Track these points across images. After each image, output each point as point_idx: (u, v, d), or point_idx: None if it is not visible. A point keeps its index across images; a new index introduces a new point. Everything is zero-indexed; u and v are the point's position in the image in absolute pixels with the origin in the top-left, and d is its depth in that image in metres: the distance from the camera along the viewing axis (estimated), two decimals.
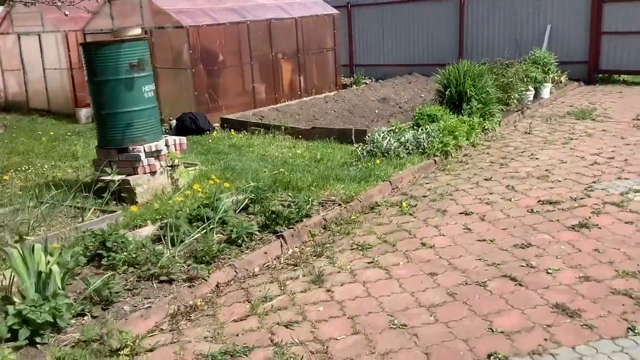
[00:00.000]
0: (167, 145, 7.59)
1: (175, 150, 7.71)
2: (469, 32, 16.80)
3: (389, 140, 8.49)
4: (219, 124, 12.01)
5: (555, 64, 13.81)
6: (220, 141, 10.71)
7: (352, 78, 17.31)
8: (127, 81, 7.15)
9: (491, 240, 5.50)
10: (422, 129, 8.76)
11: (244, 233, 5.43)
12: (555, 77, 14.03)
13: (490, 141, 9.64)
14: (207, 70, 12.81)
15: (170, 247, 5.32)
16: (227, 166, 8.77)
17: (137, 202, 7.18)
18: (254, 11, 13.79)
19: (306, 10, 15.03)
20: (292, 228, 5.78)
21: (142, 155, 7.25)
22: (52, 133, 12.22)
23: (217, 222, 5.81)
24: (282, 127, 11.04)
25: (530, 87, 12.28)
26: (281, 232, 5.68)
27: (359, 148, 8.63)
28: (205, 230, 5.58)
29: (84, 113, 13.74)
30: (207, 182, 7.31)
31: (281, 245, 5.53)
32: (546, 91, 12.99)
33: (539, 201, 6.51)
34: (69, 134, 12.20)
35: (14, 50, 15.51)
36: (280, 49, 14.43)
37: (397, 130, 8.93)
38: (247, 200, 6.46)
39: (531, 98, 12.42)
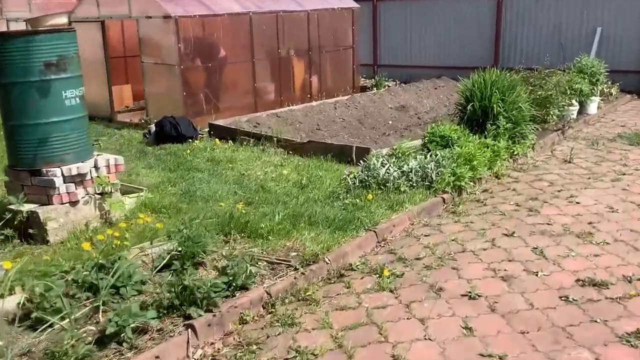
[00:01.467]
0: (96, 167, 5.83)
1: (109, 173, 5.94)
2: (507, 33, 14.64)
3: (388, 168, 6.57)
4: (207, 130, 10.24)
5: (605, 73, 11.61)
6: (200, 153, 8.93)
7: (373, 80, 15.34)
8: (41, 85, 5.40)
9: (500, 358, 3.55)
10: (431, 155, 6.81)
11: (131, 324, 3.61)
12: (605, 89, 11.82)
13: (519, 171, 7.62)
14: (200, 67, 11.04)
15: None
16: (188, 191, 6.98)
17: (48, 241, 5.46)
18: (259, 2, 11.95)
19: (321, 2, 13.13)
20: (214, 311, 3.94)
21: (58, 180, 5.51)
22: None
23: (108, 294, 4.02)
24: (275, 139, 9.20)
25: (574, 102, 10.15)
26: (194, 317, 3.85)
27: (351, 176, 6.72)
28: (93, 306, 3.81)
29: None
30: (142, 218, 5.50)
31: (187, 342, 3.69)
32: (593, 106, 10.82)
33: (578, 280, 4.51)
34: None
35: None
36: (290, 46, 12.59)
37: (400, 154, 6.99)
38: (170, 255, 4.65)
39: (574, 114, 10.28)
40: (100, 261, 4.29)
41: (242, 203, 6.32)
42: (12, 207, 5.47)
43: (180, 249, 4.63)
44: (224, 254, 4.75)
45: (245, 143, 9.41)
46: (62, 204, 5.58)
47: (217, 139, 9.74)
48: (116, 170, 6.02)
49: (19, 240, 5.44)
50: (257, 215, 5.85)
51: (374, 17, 16.64)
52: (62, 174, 5.54)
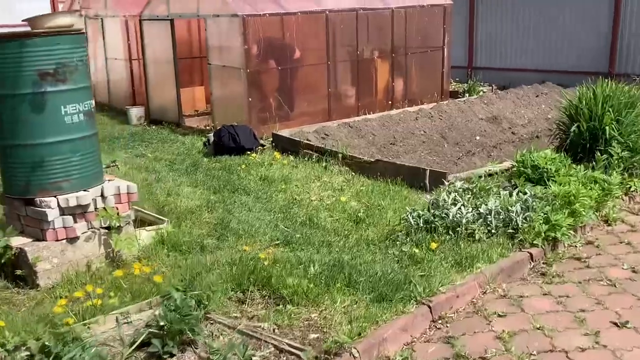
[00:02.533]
0: (103, 196, 4.82)
1: (119, 203, 4.91)
2: (627, 30, 12.47)
3: (461, 207, 5.13)
4: (271, 140, 9.13)
5: None
6: (254, 169, 7.82)
7: (466, 84, 13.67)
8: (35, 98, 4.44)
9: None
10: (518, 193, 5.30)
11: None
12: None
13: (637, 214, 5.91)
14: (269, 70, 9.96)
15: None
16: (222, 221, 5.86)
17: (38, 285, 4.50)
18: None
19: None
20: None
21: (52, 212, 4.53)
22: None
23: None
24: (340, 155, 7.93)
25: None
26: None
27: (414, 214, 5.33)
28: None
29: (135, 112, 11.46)
30: (138, 267, 4.40)
31: None
32: None
33: None
34: (108, 139, 9.89)
35: None
36: (371, 47, 11.25)
37: (477, 189, 5.52)
38: (149, 331, 3.51)
39: None
40: (47, 343, 3.21)
41: (276, 245, 5.13)
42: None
43: (163, 322, 3.47)
44: (210, 342, 3.52)
45: (307, 158, 8.21)
46: (58, 240, 4.60)
47: (278, 152, 8.60)
48: (128, 200, 4.98)
49: (4, 282, 4.52)
50: (287, 265, 4.62)
51: (470, 14, 14.91)
52: (59, 205, 4.56)
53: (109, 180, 4.99)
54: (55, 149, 4.54)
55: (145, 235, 5.15)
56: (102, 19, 12.57)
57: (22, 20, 4.69)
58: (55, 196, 4.57)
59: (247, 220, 5.89)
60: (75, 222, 4.67)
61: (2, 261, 4.54)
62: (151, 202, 6.42)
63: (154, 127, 10.99)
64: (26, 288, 4.50)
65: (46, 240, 4.57)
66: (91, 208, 4.72)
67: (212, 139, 8.87)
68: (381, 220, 5.83)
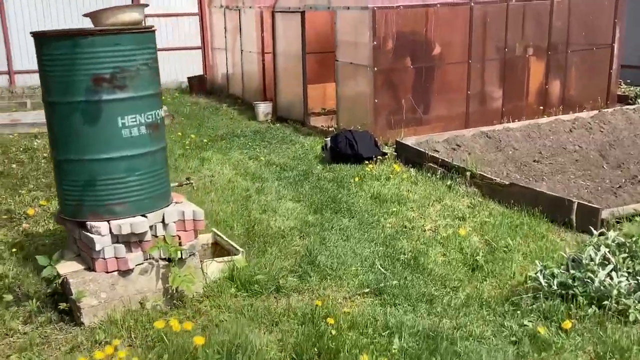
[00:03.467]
0: (164, 222, 4.10)
1: (182, 230, 4.18)
2: None
3: (612, 271, 3.76)
4: (394, 148, 8.07)
5: None
6: (368, 183, 6.83)
7: None
8: (88, 107, 3.81)
9: None
10: None
11: None
12: None
13: None
14: (400, 69, 8.86)
15: None
16: (311, 252, 4.95)
17: (82, 323, 3.90)
18: None
19: None
20: None
21: (102, 240, 3.89)
22: (209, 134, 9.62)
23: None
24: (468, 173, 6.69)
25: None
26: None
27: (546, 272, 4.04)
28: None
29: (262, 109, 10.91)
30: (175, 323, 3.60)
31: None
32: None
33: None
34: (229, 137, 9.43)
35: (220, 26, 13.37)
36: (522, 44, 9.71)
37: (638, 245, 4.07)
38: None
39: None
40: None
41: (364, 294, 4.12)
42: (45, 270, 4.00)
43: None
44: None
45: (430, 173, 7.06)
46: (108, 272, 3.96)
47: (399, 163, 7.52)
48: (194, 228, 4.22)
49: (49, 315, 3.97)
50: (367, 332, 3.59)
51: None
52: (110, 232, 3.91)
53: (175, 203, 4.26)
54: (109, 167, 3.88)
55: (214, 269, 4.37)
56: (240, 10, 12.16)
57: (83, 15, 4.06)
58: (108, 221, 3.91)
59: (339, 253, 4.92)
60: (131, 251, 3.99)
61: (49, 291, 3.98)
62: (243, 220, 5.68)
63: (278, 125, 10.36)
64: (70, 324, 3.91)
65: (95, 271, 3.94)
66: (148, 236, 4.02)
67: (329, 144, 7.99)
68: (504, 270, 4.58)
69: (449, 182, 6.70)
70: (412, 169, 7.32)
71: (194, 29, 14.97)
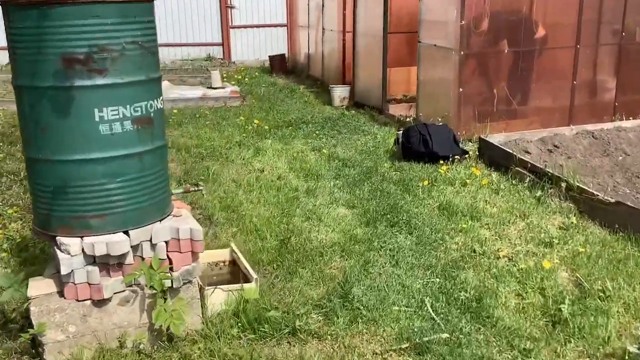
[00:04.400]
0: (151, 242, 3.27)
1: (175, 251, 3.32)
2: None
3: None
4: (477, 147, 6.87)
5: None
6: (438, 189, 5.73)
7: None
8: (57, 95, 3.01)
9: None
10: None
11: None
12: None
13: None
14: (492, 53, 7.58)
15: None
16: (348, 279, 3.98)
17: None
18: None
19: None
20: None
21: (70, 261, 3.11)
22: (276, 120, 8.83)
23: None
24: (564, 184, 5.42)
25: None
26: None
27: None
28: None
29: (338, 93, 9.95)
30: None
31: None
32: None
33: None
34: (297, 123, 8.59)
35: (304, 2, 12.46)
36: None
37: None
38: None
39: None
40: None
41: (401, 351, 3.11)
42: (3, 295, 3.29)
43: None
44: None
45: (517, 180, 5.84)
46: (79, 300, 3.19)
47: (480, 166, 6.34)
48: (192, 249, 3.36)
49: (13, 344, 3.26)
50: None
51: None
52: (82, 251, 3.12)
53: (173, 217, 3.41)
54: (83, 171, 3.08)
55: (219, 299, 3.51)
56: None
57: None
58: (81, 237, 3.13)
59: (382, 285, 3.91)
60: (108, 275, 3.19)
61: (13, 316, 3.28)
62: (280, 229, 4.79)
63: (353, 111, 9.37)
64: None
65: (65, 298, 3.18)
66: (130, 259, 3.20)
67: (400, 138, 6.91)
68: (596, 330, 3.40)
69: (538, 194, 5.47)
70: (494, 173, 6.13)
71: (280, 5, 14.17)
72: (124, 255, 3.16)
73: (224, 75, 12.33)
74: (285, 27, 14.19)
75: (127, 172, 3.15)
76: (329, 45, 11.22)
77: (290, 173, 6.24)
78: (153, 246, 3.25)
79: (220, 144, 7.23)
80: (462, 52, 7.25)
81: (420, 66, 8.19)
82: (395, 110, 9.08)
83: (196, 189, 3.64)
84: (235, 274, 3.93)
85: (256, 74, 12.97)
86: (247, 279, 3.66)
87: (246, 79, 12.25)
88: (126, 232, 3.17)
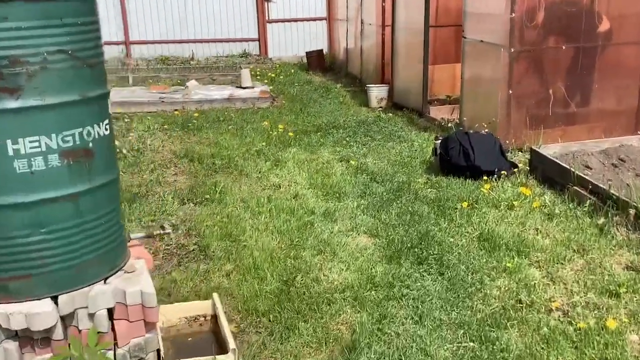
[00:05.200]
0: (88, 309, 2.52)
1: (123, 319, 2.57)
2: None
3: None
4: (528, 159, 5.90)
5: None
6: (479, 213, 4.82)
7: None
8: None
9: None
10: None
11: None
12: None
13: None
14: (548, 50, 6.56)
15: None
16: (355, 345, 3.16)
17: None
18: None
19: None
20: None
21: None
22: (305, 124, 8.05)
23: None
24: (632, 211, 4.43)
25: None
26: None
27: None
28: None
29: (375, 93, 9.09)
30: None
31: None
32: None
33: None
34: (327, 128, 7.79)
35: None
36: None
37: None
38: None
39: None
40: None
41: None
42: None
43: None
44: None
45: (575, 203, 4.88)
46: None
47: (532, 182, 5.40)
48: (144, 318, 2.60)
49: None
50: None
51: None
52: None
53: (125, 272, 2.66)
54: None
55: None
56: None
57: None
58: None
59: (400, 352, 3.07)
60: (34, 352, 2.47)
61: None
62: (284, 265, 4.00)
63: (390, 114, 8.50)
64: None
65: None
66: (59, 333, 2.47)
67: (438, 149, 6.01)
68: None
69: (601, 221, 4.50)
70: (548, 193, 5.17)
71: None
72: (50, 329, 2.43)
73: (258, 72, 11.62)
74: (325, 21, 13.36)
75: (56, 220, 2.42)
76: (367, 40, 10.34)
77: (309, 190, 5.44)
78: (91, 316, 2.50)
79: (237, 154, 6.50)
80: (512, 49, 6.29)
81: (465, 65, 7.24)
82: (437, 113, 8.15)
83: (163, 231, 2.89)
84: (218, 333, 3.17)
85: (292, 71, 12.21)
86: (224, 347, 2.88)
87: (281, 77, 11.50)
88: (54, 298, 2.44)
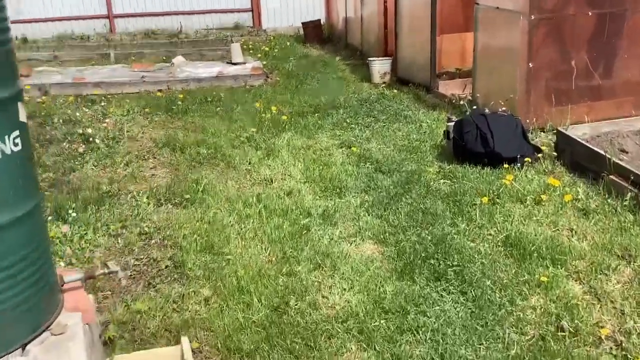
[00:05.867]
0: None
1: None
2: None
3: None
4: (553, 144, 5.18)
5: None
6: (502, 209, 4.15)
7: None
8: None
9: None
10: None
11: None
12: None
13: None
14: (570, 17, 5.79)
15: None
16: None
17: None
18: None
19: None
20: None
21: None
22: (302, 104, 7.30)
23: None
24: None
25: None
26: None
27: None
28: None
29: (378, 67, 8.34)
30: None
31: None
32: None
33: None
34: (326, 108, 7.08)
35: None
36: None
37: None
38: None
39: None
40: None
41: None
42: None
43: None
44: None
45: (615, 195, 4.19)
46: None
47: (559, 170, 4.71)
48: None
49: None
50: None
51: None
52: None
53: (52, 335, 1.99)
54: None
55: None
56: None
57: None
58: None
59: None
60: None
61: None
62: (274, 287, 3.34)
63: (395, 90, 7.77)
64: None
65: None
66: None
67: (451, 130, 5.30)
68: None
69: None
70: (581, 182, 4.49)
71: None
72: None
73: (250, 46, 10.83)
74: None
75: None
76: (368, 8, 9.53)
77: (305, 185, 4.76)
78: None
79: (225, 141, 5.81)
80: (532, 17, 5.54)
81: (478, 34, 6.47)
82: (447, 88, 7.41)
83: (107, 270, 2.21)
84: None
85: (287, 43, 11.41)
86: None
87: (275, 50, 10.72)
88: None
